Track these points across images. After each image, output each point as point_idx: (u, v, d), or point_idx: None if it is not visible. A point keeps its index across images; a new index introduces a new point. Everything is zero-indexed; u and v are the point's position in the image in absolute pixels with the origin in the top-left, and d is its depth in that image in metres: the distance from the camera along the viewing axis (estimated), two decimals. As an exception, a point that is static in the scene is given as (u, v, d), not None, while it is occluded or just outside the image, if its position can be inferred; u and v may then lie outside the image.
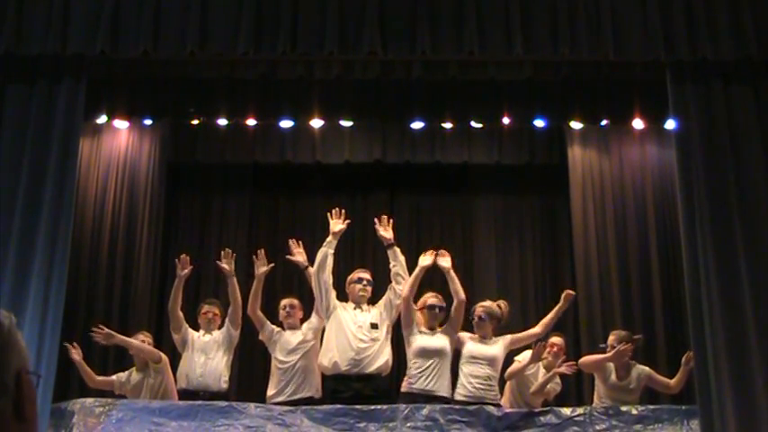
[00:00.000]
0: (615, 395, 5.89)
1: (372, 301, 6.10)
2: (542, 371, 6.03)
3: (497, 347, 5.88)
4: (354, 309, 5.99)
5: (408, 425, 5.34)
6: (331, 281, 6.01)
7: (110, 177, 7.79)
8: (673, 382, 6.01)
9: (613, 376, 5.94)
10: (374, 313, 5.97)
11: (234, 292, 6.17)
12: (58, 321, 5.37)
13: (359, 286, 6.03)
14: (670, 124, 6.02)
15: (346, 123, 7.37)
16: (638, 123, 6.87)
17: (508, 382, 6.04)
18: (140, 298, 7.53)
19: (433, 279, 6.53)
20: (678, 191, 5.68)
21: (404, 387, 5.83)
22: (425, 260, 5.97)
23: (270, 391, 6.01)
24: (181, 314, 6.24)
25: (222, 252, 6.32)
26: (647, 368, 6.04)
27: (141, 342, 6.23)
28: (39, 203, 5.46)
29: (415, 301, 5.96)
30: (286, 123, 7.24)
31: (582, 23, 5.65)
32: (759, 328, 5.23)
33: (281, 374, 6.00)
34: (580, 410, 5.58)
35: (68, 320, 6.03)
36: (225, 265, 6.21)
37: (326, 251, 5.99)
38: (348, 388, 5.72)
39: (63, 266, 5.46)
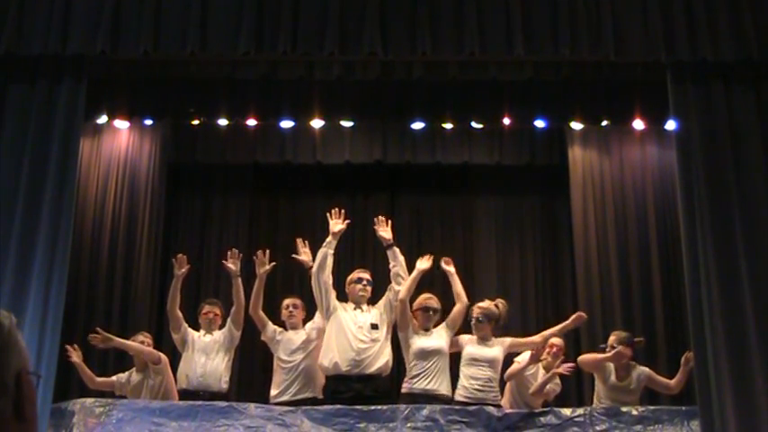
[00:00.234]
0: (615, 396, 5.89)
1: (372, 301, 6.10)
2: (542, 371, 6.02)
3: (497, 349, 5.89)
4: (354, 309, 5.99)
5: (408, 425, 5.34)
6: (331, 281, 6.01)
7: (110, 177, 7.79)
8: (672, 382, 6.01)
9: (613, 377, 5.94)
10: (374, 314, 5.97)
11: (238, 293, 6.17)
12: (59, 321, 5.37)
13: (359, 286, 6.03)
14: (670, 125, 6.02)
15: (347, 124, 7.37)
16: (638, 124, 6.87)
17: (508, 383, 6.04)
18: (140, 298, 7.53)
19: (433, 281, 6.54)
20: (678, 192, 5.68)
21: (404, 388, 5.84)
22: (423, 264, 6.02)
23: (273, 391, 6.01)
24: (179, 314, 6.24)
25: (229, 252, 6.31)
26: (646, 369, 6.05)
27: (141, 342, 6.23)
28: (39, 203, 5.46)
29: (411, 302, 5.97)
30: (286, 124, 7.24)
31: (582, 24, 5.65)
32: (759, 328, 5.23)
33: (284, 374, 6.00)
34: (580, 411, 5.58)
35: (69, 321, 6.04)
36: (231, 265, 6.21)
37: (326, 251, 5.99)
38: (348, 388, 5.72)
39: (63, 266, 5.46)
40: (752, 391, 5.11)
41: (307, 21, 5.65)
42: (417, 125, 7.24)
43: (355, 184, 8.53)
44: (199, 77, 6.17)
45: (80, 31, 5.63)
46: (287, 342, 6.08)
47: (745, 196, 5.50)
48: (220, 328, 6.30)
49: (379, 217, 6.23)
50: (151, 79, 6.20)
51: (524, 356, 5.93)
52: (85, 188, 7.52)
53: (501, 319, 6.03)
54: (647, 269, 7.53)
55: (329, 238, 6.05)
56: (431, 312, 5.94)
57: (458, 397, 5.74)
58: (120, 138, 7.88)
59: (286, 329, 6.18)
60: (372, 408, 5.44)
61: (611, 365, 5.95)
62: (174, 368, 6.22)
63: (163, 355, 6.25)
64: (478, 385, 5.73)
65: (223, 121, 7.20)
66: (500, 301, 6.15)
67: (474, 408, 5.49)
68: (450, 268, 6.13)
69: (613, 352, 5.87)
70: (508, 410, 5.64)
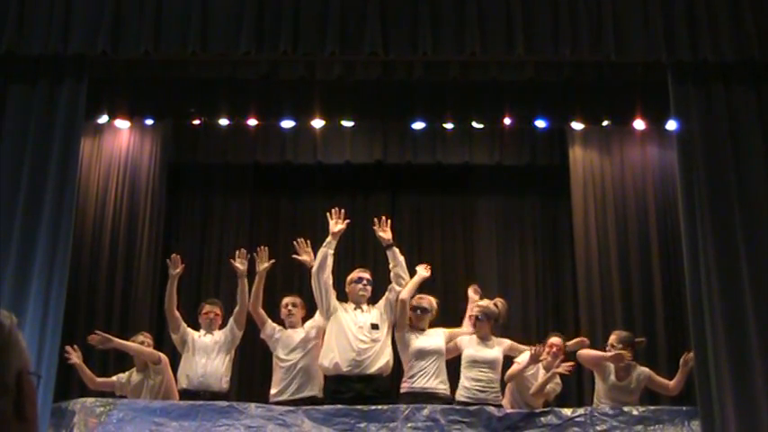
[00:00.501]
0: (615, 395, 5.89)
1: (372, 301, 6.10)
2: (542, 371, 6.02)
3: (497, 350, 5.91)
4: (355, 309, 5.99)
5: (409, 425, 5.34)
6: (331, 281, 6.01)
7: (111, 177, 7.79)
8: (672, 383, 6.01)
9: (613, 376, 5.94)
10: (375, 314, 5.97)
11: (243, 293, 6.16)
12: (59, 321, 5.37)
13: (359, 286, 6.03)
14: (671, 125, 6.02)
15: (347, 124, 7.37)
16: (639, 124, 6.87)
17: (508, 384, 6.04)
18: (141, 298, 7.53)
19: (434, 284, 6.55)
20: (679, 191, 5.69)
21: (403, 388, 5.85)
22: (423, 272, 6.14)
23: (272, 390, 6.00)
24: (177, 314, 6.23)
25: (237, 252, 6.30)
26: (646, 369, 6.04)
27: (141, 343, 6.23)
28: (40, 203, 5.47)
29: None
30: (287, 123, 7.24)
31: (583, 24, 5.65)
32: (760, 328, 5.23)
33: (283, 373, 6.00)
34: (581, 411, 5.58)
35: (69, 320, 6.04)
36: (239, 265, 6.20)
37: (326, 251, 5.99)
38: (349, 389, 5.71)
39: (64, 266, 5.46)
40: (752, 392, 5.12)
41: (307, 20, 5.65)
42: (418, 125, 7.23)
43: (356, 184, 8.53)
44: (199, 77, 6.17)
45: (81, 31, 5.63)
46: (285, 340, 6.08)
47: (745, 196, 5.50)
48: (221, 327, 6.30)
49: (381, 218, 6.23)
50: (152, 79, 6.20)
51: (524, 357, 5.93)
52: (86, 188, 7.52)
53: (500, 318, 6.05)
54: (648, 269, 7.53)
55: (329, 239, 6.04)
56: (419, 312, 5.97)
57: (459, 397, 5.75)
58: (120, 137, 7.88)
59: (285, 328, 6.18)
60: (373, 408, 5.45)
61: (612, 365, 5.94)
62: (175, 368, 6.22)
63: (163, 355, 6.25)
64: (480, 386, 5.74)
65: (224, 121, 7.20)
66: (499, 300, 6.17)
67: (475, 408, 5.49)
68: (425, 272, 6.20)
69: (613, 353, 5.87)
70: (509, 410, 5.64)
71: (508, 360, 6.02)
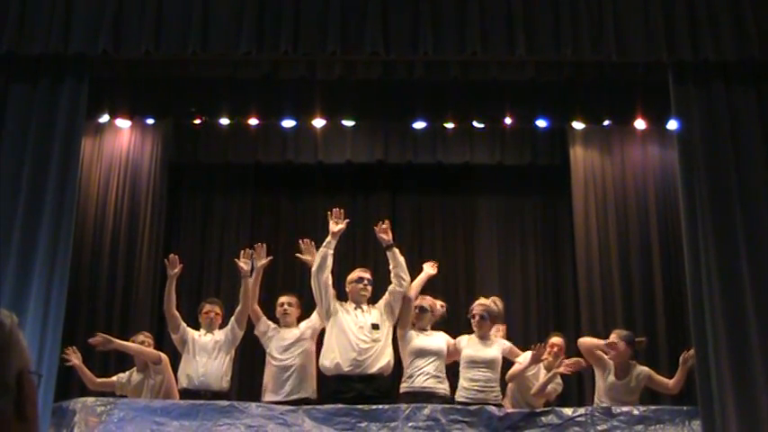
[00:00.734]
0: (614, 394, 5.88)
1: (372, 301, 6.10)
2: (543, 371, 6.02)
3: (495, 349, 5.91)
4: (355, 309, 5.98)
5: (410, 425, 5.34)
6: (331, 281, 6.01)
7: (112, 176, 7.80)
8: (671, 382, 6.00)
9: (612, 375, 5.94)
10: (375, 314, 5.96)
11: (246, 293, 6.15)
12: (60, 321, 5.37)
13: (359, 286, 6.03)
14: (672, 125, 6.02)
15: (348, 123, 7.37)
16: (640, 124, 6.87)
17: (509, 384, 6.04)
18: (142, 298, 7.53)
19: (435, 284, 6.54)
20: (680, 191, 5.68)
21: (403, 387, 5.85)
22: (430, 269, 6.17)
23: (265, 390, 6.01)
24: (177, 314, 6.22)
25: (242, 252, 6.28)
26: (646, 368, 6.04)
27: (141, 342, 6.23)
28: (40, 203, 5.47)
29: None
30: (288, 123, 7.24)
31: (584, 24, 5.65)
32: (760, 328, 5.23)
33: (276, 373, 5.99)
34: (581, 411, 5.57)
35: (70, 320, 6.04)
36: (243, 264, 6.18)
37: (326, 251, 5.98)
38: (350, 388, 5.71)
39: (64, 266, 5.47)
40: (753, 391, 5.11)
41: (308, 20, 5.65)
42: (419, 125, 7.24)
43: (357, 183, 8.53)
44: (200, 77, 6.18)
45: (82, 31, 5.63)
46: (279, 339, 6.07)
47: (746, 196, 5.50)
48: (221, 327, 6.29)
49: (384, 221, 6.21)
50: (153, 78, 6.21)
51: (525, 357, 5.93)
52: (87, 187, 7.53)
53: (499, 317, 6.07)
54: (649, 269, 7.53)
55: (329, 238, 6.04)
56: (418, 311, 5.98)
57: (458, 398, 5.74)
58: (121, 137, 7.88)
59: (280, 327, 6.18)
60: (374, 407, 5.44)
61: (611, 363, 5.94)
62: (175, 368, 6.22)
63: (163, 355, 6.25)
64: (478, 387, 5.73)
65: (225, 121, 7.20)
66: (496, 299, 6.18)
67: (475, 407, 5.49)
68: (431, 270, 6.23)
69: (608, 341, 5.89)
70: (509, 410, 5.64)
71: (508, 360, 6.02)
